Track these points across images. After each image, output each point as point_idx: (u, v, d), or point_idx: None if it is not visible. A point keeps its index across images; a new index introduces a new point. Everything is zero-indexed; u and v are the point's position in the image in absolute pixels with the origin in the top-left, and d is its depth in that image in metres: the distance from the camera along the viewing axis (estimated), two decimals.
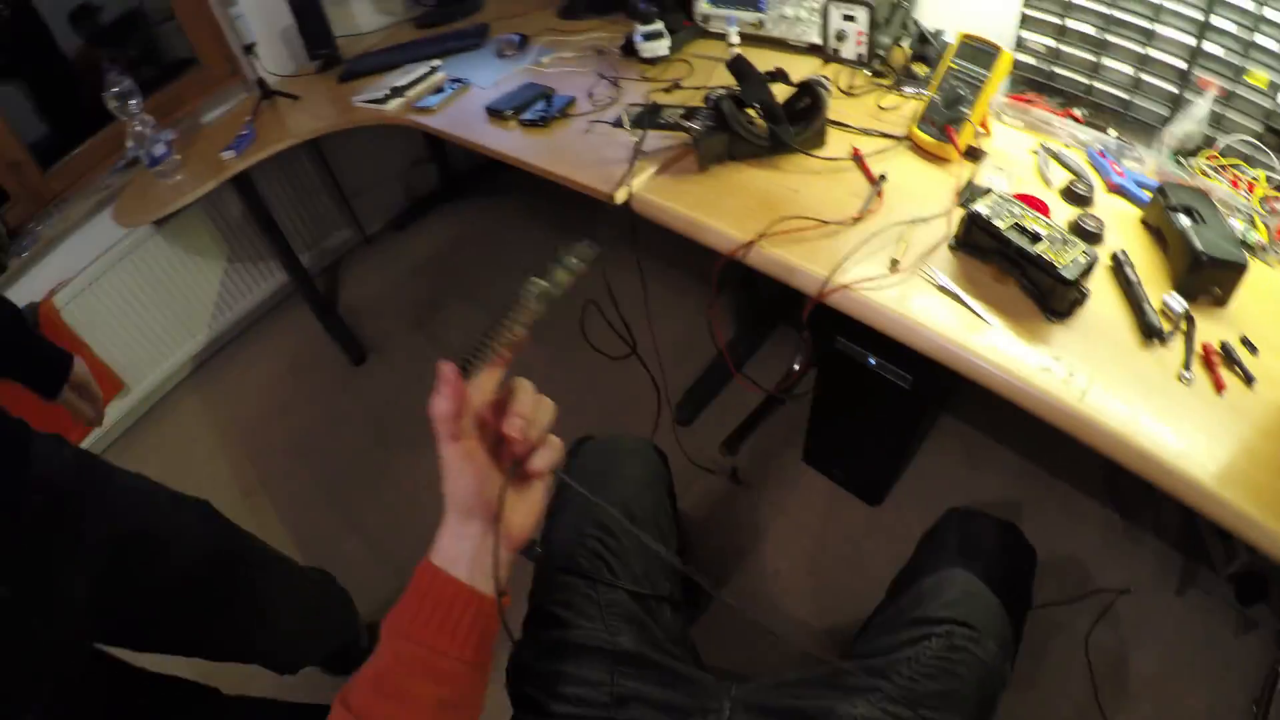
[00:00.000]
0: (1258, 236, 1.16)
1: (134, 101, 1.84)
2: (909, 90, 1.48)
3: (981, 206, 1.09)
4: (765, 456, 1.93)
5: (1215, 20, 1.24)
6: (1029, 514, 1.71)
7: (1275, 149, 1.23)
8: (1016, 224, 1.07)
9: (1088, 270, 1.01)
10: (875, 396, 1.44)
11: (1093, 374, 0.94)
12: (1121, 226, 1.19)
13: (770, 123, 1.27)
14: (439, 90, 1.85)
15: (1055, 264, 1.01)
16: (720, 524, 1.82)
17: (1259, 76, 1.23)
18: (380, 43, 2.32)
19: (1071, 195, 1.24)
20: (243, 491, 2.23)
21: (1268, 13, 1.18)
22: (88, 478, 1.01)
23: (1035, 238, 1.05)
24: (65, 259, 2.25)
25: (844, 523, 1.77)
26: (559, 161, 1.41)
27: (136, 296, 2.41)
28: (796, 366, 2.02)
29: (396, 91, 1.89)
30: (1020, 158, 1.33)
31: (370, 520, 2.05)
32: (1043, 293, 1.05)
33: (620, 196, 1.27)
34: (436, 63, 1.97)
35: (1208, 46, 1.27)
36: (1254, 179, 1.24)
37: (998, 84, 1.26)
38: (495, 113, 1.65)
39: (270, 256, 2.69)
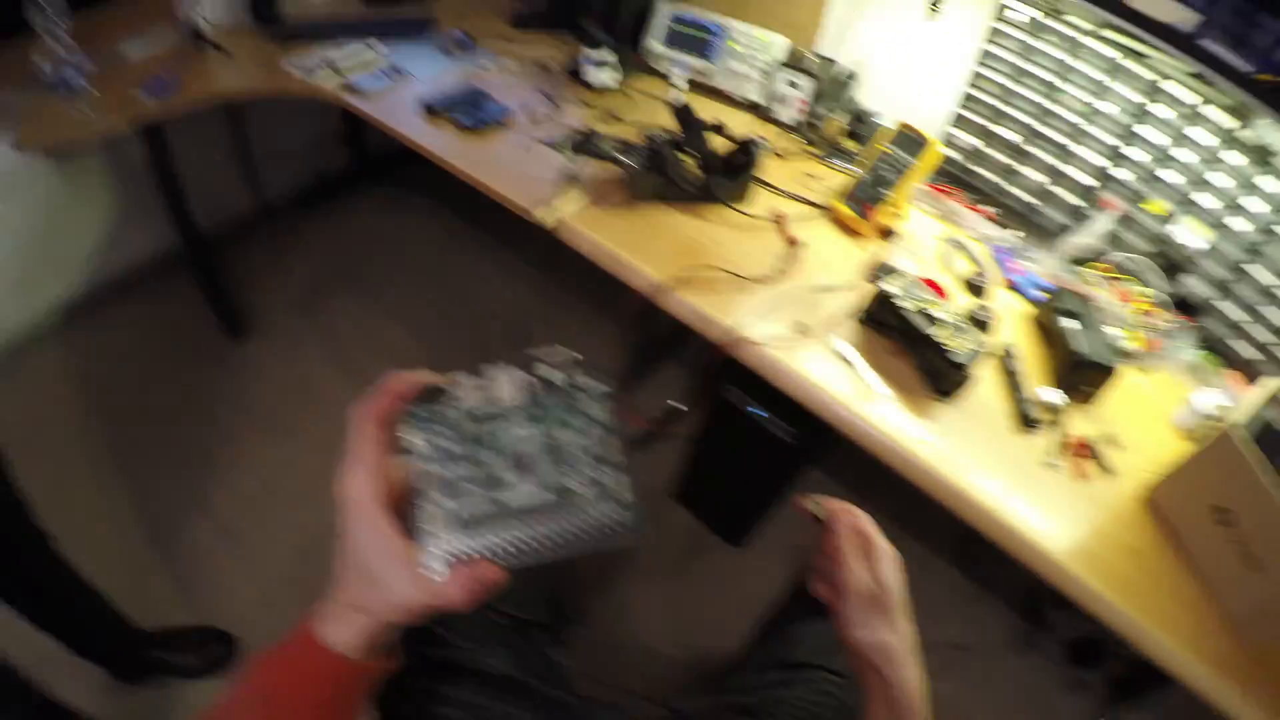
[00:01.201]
0: (1135, 345, 1.26)
1: (57, 17, 1.68)
2: (836, 163, 1.54)
3: (893, 287, 1.13)
4: (643, 491, 1.93)
5: (1128, 150, 1.36)
6: None
7: (1161, 269, 1.35)
8: (922, 309, 1.11)
9: (975, 357, 1.07)
10: (757, 446, 1.47)
11: (971, 452, 1.01)
12: (1014, 321, 1.27)
13: (705, 173, 1.29)
14: (376, 74, 1.79)
15: (947, 348, 1.07)
16: (586, 560, 1.80)
17: (1156, 205, 1.35)
18: (325, 10, 2.23)
19: (971, 286, 1.31)
20: (89, 459, 2.05)
21: (1176, 153, 1.30)
22: None
23: (933, 320, 1.10)
24: None
25: (706, 561, 1.81)
26: (489, 171, 1.39)
27: (10, 228, 2.20)
28: (682, 407, 2.03)
29: (331, 66, 1.81)
30: (929, 243, 1.40)
31: (223, 507, 1.94)
32: (934, 373, 1.10)
33: (547, 219, 1.26)
34: (379, 45, 1.91)
35: (1116, 172, 1.38)
36: (1140, 294, 1.34)
37: (923, 173, 1.32)
38: (431, 109, 1.60)
39: (164, 213, 2.50)
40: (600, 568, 1.79)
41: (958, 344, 1.08)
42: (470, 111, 1.57)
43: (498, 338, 2.16)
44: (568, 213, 1.28)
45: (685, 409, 1.92)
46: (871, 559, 0.69)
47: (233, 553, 1.84)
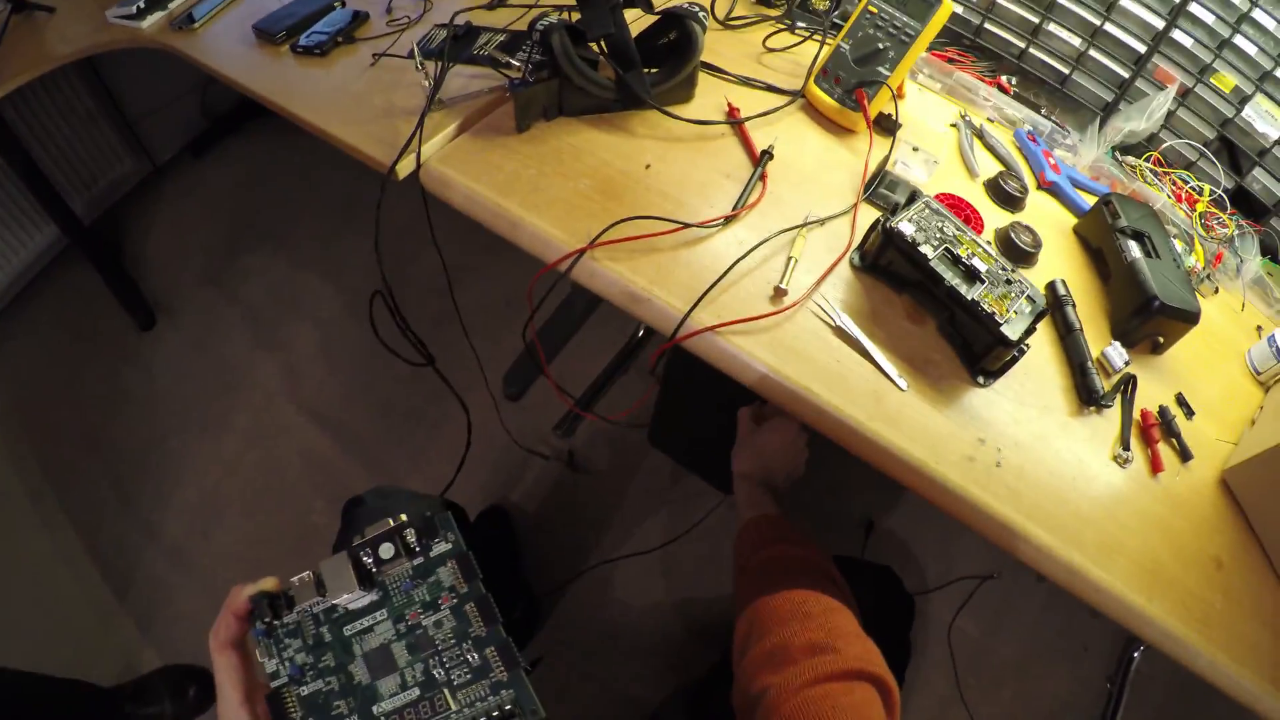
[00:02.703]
0: (1194, 261, 0.97)
1: None
2: (802, 27, 1.16)
3: (905, 224, 0.78)
4: (606, 438, 1.72)
5: (1193, 7, 1.00)
6: (893, 502, 1.65)
7: (1219, 157, 1.05)
8: (948, 250, 0.77)
9: (1032, 327, 0.75)
10: (719, 385, 1.16)
11: (1024, 465, 0.71)
12: (1051, 235, 0.94)
13: (619, 67, 0.91)
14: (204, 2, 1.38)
15: (997, 318, 0.73)
16: (557, 517, 1.63)
17: (1225, 80, 1.03)
18: None
19: (1000, 193, 0.98)
20: (31, 497, 1.86)
21: (1255, 13, 0.99)
22: None
23: (972, 275, 0.76)
24: None
25: (698, 515, 1.56)
26: (330, 110, 1.01)
27: None
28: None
29: (154, 3, 1.39)
30: (938, 131, 1.05)
31: (168, 525, 1.77)
32: (972, 348, 0.78)
33: (404, 168, 0.89)
34: None
35: (1176, 35, 1.03)
36: (1196, 191, 1.04)
37: (928, 40, 0.95)
38: (263, 34, 1.20)
39: (35, 207, 2.12)
40: (575, 533, 1.61)
41: (1008, 307, 0.74)
42: (314, 29, 1.18)
43: (421, 284, 1.87)
44: (433, 153, 0.90)
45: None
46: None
47: (186, 575, 1.72)
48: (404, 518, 0.46)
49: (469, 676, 0.43)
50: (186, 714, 1.54)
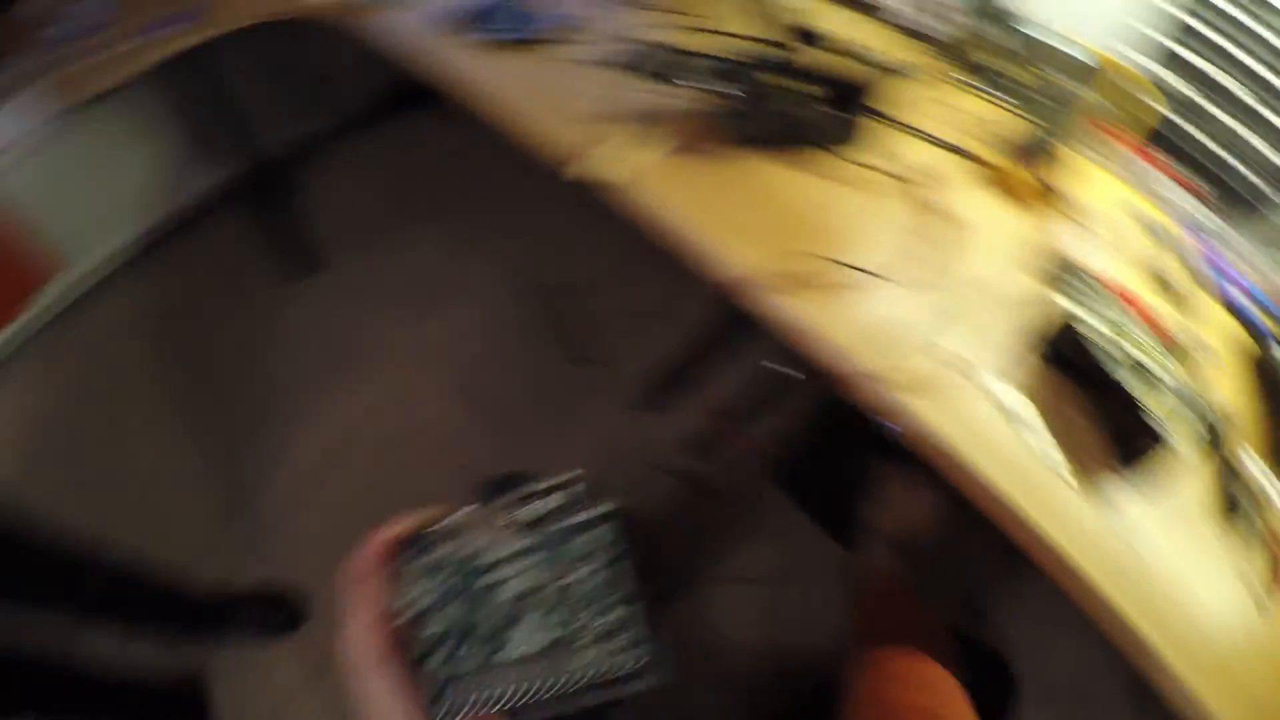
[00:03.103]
0: None
1: None
2: (981, 89, 1.15)
3: (1082, 310, 0.77)
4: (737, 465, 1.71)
5: None
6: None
7: None
8: (1120, 346, 0.76)
9: (1184, 422, 0.74)
10: (871, 446, 1.16)
11: (1157, 568, 0.70)
12: (1222, 349, 0.92)
13: (827, 107, 0.91)
14: None
15: (1147, 413, 0.73)
16: (667, 532, 1.63)
17: None
18: None
19: (1171, 293, 0.95)
20: (173, 400, 1.99)
21: None
22: None
23: (1142, 372, 0.75)
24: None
25: (809, 561, 1.56)
26: (519, 105, 1.03)
27: (80, 174, 2.11)
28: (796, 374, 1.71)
29: None
30: (1108, 214, 1.03)
31: (294, 461, 1.84)
32: (1131, 448, 0.76)
33: (599, 171, 0.90)
34: None
35: None
36: None
37: (1126, 129, 0.94)
38: (457, 22, 1.25)
39: (225, 141, 2.28)
40: (688, 555, 1.61)
41: (1179, 419, 0.73)
42: (508, 21, 1.22)
43: (580, 290, 1.96)
44: (620, 166, 0.91)
45: (799, 375, 1.59)
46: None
47: (299, 510, 1.78)
48: (563, 477, 0.45)
49: (602, 633, 0.43)
50: (270, 634, 1.61)
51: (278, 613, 1.63)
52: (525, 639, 0.43)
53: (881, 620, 0.77)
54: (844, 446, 1.31)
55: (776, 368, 1.69)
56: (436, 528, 0.46)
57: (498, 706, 0.42)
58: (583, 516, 0.45)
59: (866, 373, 0.73)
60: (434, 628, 0.44)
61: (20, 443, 2.05)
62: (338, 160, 2.58)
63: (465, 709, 0.42)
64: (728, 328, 1.77)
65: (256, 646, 1.59)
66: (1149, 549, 0.70)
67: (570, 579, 0.44)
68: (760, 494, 1.65)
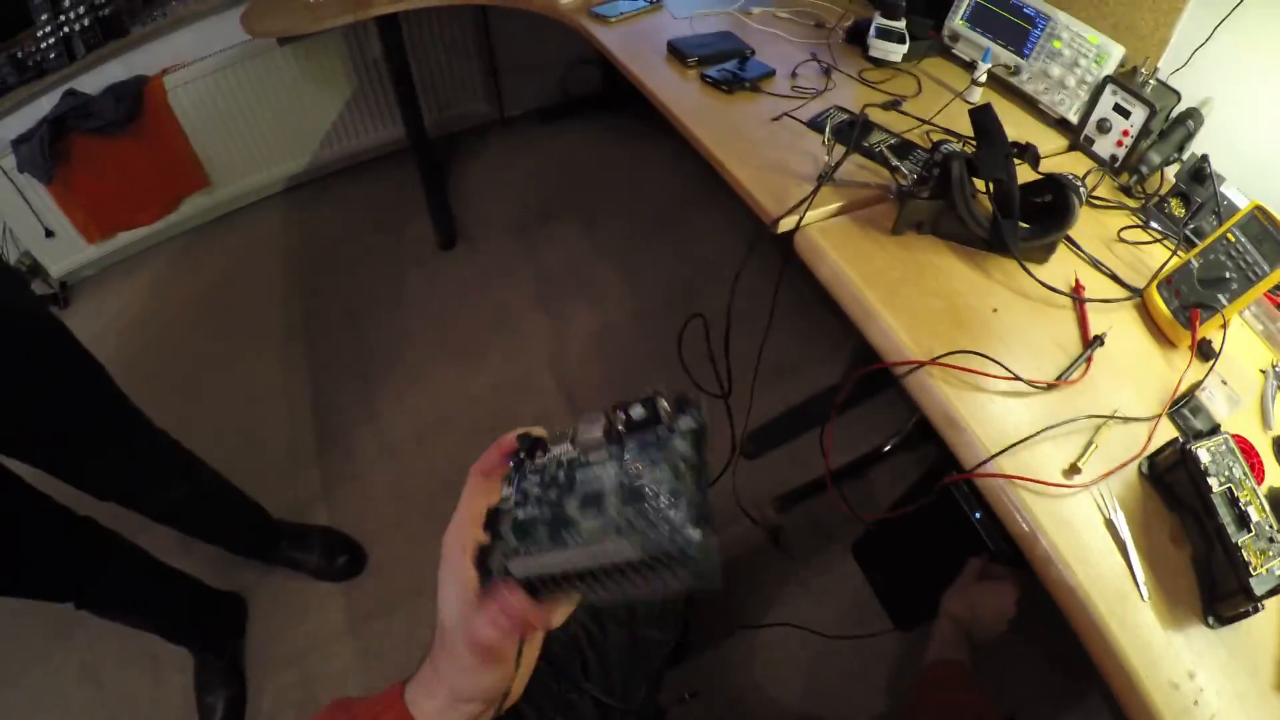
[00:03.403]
0: None
1: None
2: (1155, 228, 1.20)
3: (1203, 452, 0.83)
4: (815, 527, 1.75)
5: None
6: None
7: None
8: (1230, 490, 0.82)
9: (1278, 590, 0.77)
10: (959, 542, 1.22)
11: (1216, 714, 0.73)
12: None
13: (999, 211, 1.01)
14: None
15: (1251, 568, 0.77)
16: (739, 580, 1.66)
17: None
18: None
19: None
20: (284, 333, 2.14)
21: None
22: None
23: (1244, 521, 0.80)
24: (189, 42, 2.25)
25: (863, 629, 1.56)
26: (727, 146, 1.17)
27: (248, 103, 2.35)
28: (888, 448, 1.76)
29: None
30: (1248, 377, 1.06)
31: (392, 417, 1.94)
32: (1215, 587, 0.81)
33: (785, 226, 1.03)
34: None
35: None
36: None
37: (1273, 285, 0.98)
38: (677, 52, 1.40)
39: (394, 106, 2.51)
40: (745, 602, 1.65)
41: (1263, 563, 0.78)
42: (724, 65, 1.35)
43: (702, 316, 1.95)
44: (814, 222, 1.04)
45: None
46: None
47: (386, 464, 1.85)
48: (662, 388, 0.48)
49: (661, 524, 0.43)
50: (329, 575, 1.66)
51: (339, 555, 1.67)
52: (586, 527, 0.45)
53: (937, 701, 0.85)
54: (931, 531, 1.37)
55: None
56: (552, 436, 0.50)
57: (555, 582, 0.46)
58: (679, 426, 0.46)
59: (993, 464, 0.83)
60: (520, 514, 0.47)
61: (140, 328, 2.20)
62: (492, 148, 2.75)
63: (525, 582, 0.46)
64: (850, 399, 1.78)
65: (308, 580, 1.66)
66: (1210, 684, 0.75)
67: (644, 477, 0.45)
68: (833, 557, 1.69)
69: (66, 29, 2.07)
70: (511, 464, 0.50)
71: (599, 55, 2.69)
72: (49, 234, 2.28)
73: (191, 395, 1.99)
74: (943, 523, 1.29)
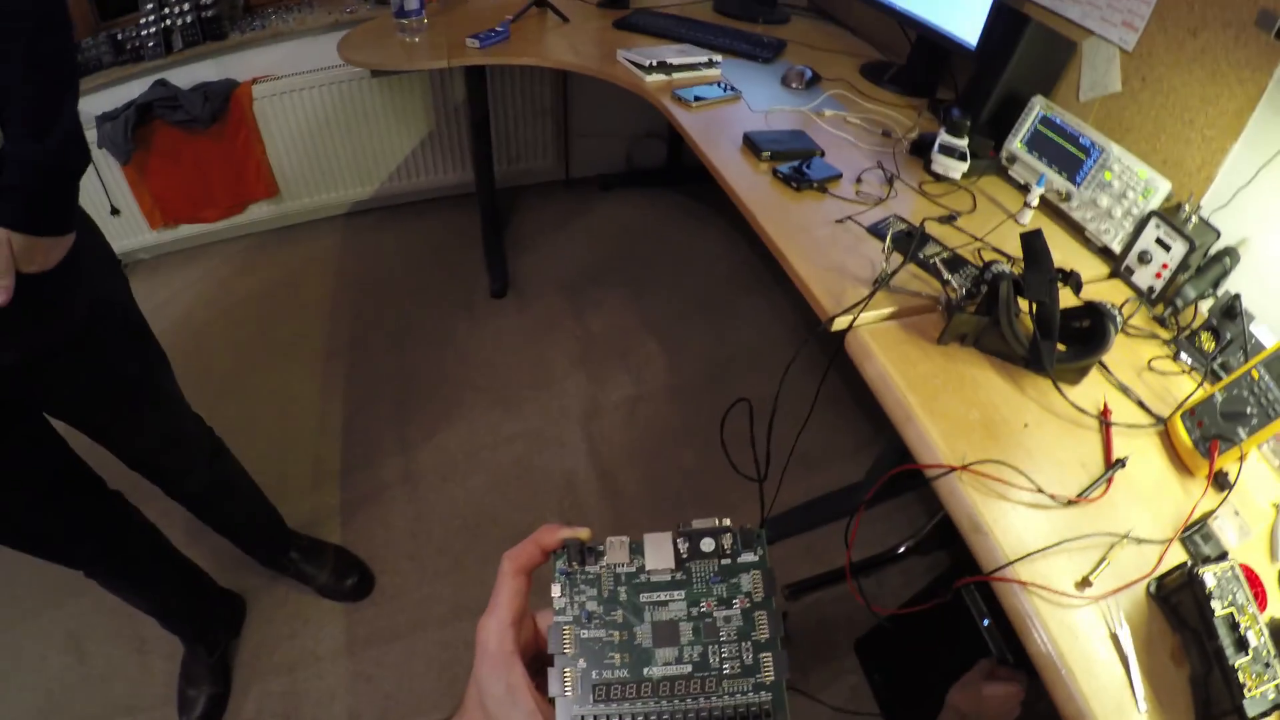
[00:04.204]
0: None
1: None
2: (1184, 360, 1.27)
3: (1209, 576, 0.90)
4: (820, 621, 1.78)
5: None
6: None
7: None
8: (1232, 615, 0.88)
9: (1270, 713, 0.83)
10: (965, 648, 1.28)
11: None
12: None
13: (1039, 332, 1.10)
14: (708, 88, 1.72)
15: (1246, 690, 0.83)
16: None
17: None
18: (672, 5, 2.20)
19: None
20: (325, 352, 2.22)
21: None
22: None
23: (1243, 645, 0.86)
24: (283, 57, 2.31)
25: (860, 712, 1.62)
26: (792, 240, 1.28)
27: (328, 125, 2.48)
28: (901, 550, 1.83)
29: (664, 67, 1.77)
30: (1261, 509, 1.12)
31: (421, 451, 1.99)
32: (1210, 706, 0.87)
33: (840, 324, 1.12)
34: (717, 58, 1.84)
35: None
36: None
37: None
38: (751, 144, 1.52)
39: (467, 152, 2.65)
40: None
41: (1257, 688, 0.83)
42: (794, 163, 1.46)
43: (749, 401, 2.11)
44: (866, 324, 1.14)
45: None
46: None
47: (407, 496, 1.89)
48: (728, 521, 0.48)
49: (739, 670, 0.44)
50: (336, 594, 1.67)
51: (349, 576, 1.68)
52: (670, 662, 0.45)
53: None
54: (936, 635, 1.41)
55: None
56: (602, 543, 0.49)
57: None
58: (733, 560, 0.47)
59: (1010, 570, 0.90)
60: (585, 633, 0.46)
61: (186, 320, 2.25)
62: (553, 206, 2.86)
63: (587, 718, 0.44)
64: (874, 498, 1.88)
65: (313, 596, 1.66)
66: None
67: (721, 615, 0.46)
68: (835, 651, 1.70)
69: (169, 21, 2.22)
70: (558, 566, 0.49)
71: (668, 131, 2.89)
72: (114, 211, 2.40)
73: (225, 394, 2.04)
74: (950, 627, 1.35)
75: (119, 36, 2.23)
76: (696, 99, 1.68)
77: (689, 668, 0.45)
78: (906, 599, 1.55)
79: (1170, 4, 1.39)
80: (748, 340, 2.43)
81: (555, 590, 0.47)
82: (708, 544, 0.48)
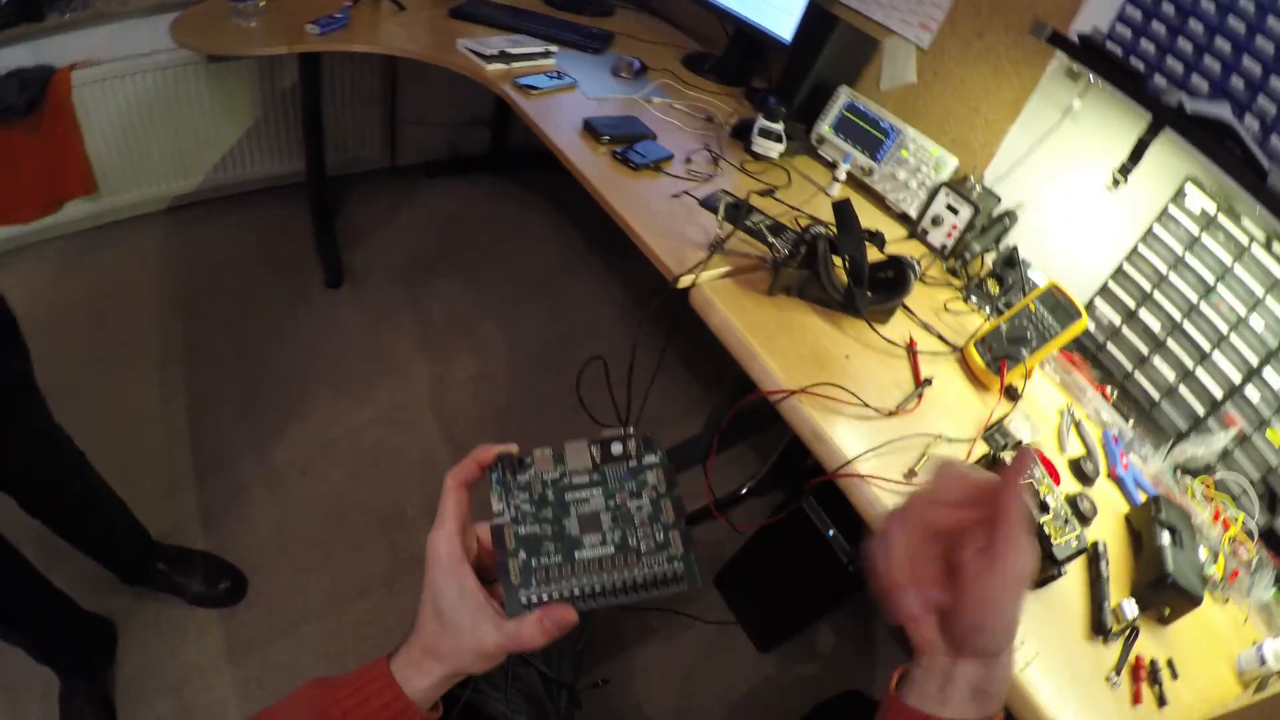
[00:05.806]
0: (1215, 572, 1.21)
1: None
2: (974, 302, 1.51)
3: (1009, 457, 1.10)
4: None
5: (1266, 372, 1.31)
6: None
7: (1262, 499, 1.31)
8: (1033, 485, 1.08)
9: (1075, 556, 1.04)
10: (816, 562, 1.44)
11: (1039, 650, 0.97)
12: (1108, 516, 1.22)
13: (852, 281, 1.27)
14: (546, 77, 1.81)
15: (1051, 540, 1.03)
16: (608, 614, 1.75)
17: (1277, 434, 1.30)
18: None
19: (1079, 471, 1.28)
20: (161, 360, 2.08)
21: None
22: None
23: (1044, 507, 1.07)
24: (104, 40, 2.11)
25: (728, 655, 1.76)
26: (635, 214, 1.39)
27: (151, 114, 2.27)
28: (745, 490, 2.00)
29: (504, 57, 1.83)
30: (1047, 413, 1.36)
31: (275, 448, 1.93)
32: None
33: (685, 282, 1.25)
34: (553, 48, 1.93)
35: (1248, 390, 1.33)
36: (1232, 519, 1.30)
37: (1063, 343, 1.29)
38: (592, 130, 1.61)
39: (296, 141, 2.56)
40: (616, 634, 1.76)
41: (1061, 537, 1.04)
42: (629, 144, 1.57)
43: (579, 370, 2.17)
44: (706, 282, 1.27)
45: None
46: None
47: (267, 494, 1.84)
48: (632, 430, 0.58)
49: (653, 547, 0.53)
50: (210, 600, 1.60)
51: (221, 580, 1.61)
52: (596, 545, 0.53)
53: None
54: (786, 555, 1.56)
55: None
56: (529, 454, 0.56)
57: (568, 598, 0.52)
58: (639, 461, 0.57)
59: (854, 474, 1.06)
60: (522, 530, 0.54)
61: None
62: (382, 195, 2.83)
63: (543, 599, 0.52)
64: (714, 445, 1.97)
65: (184, 607, 1.59)
66: (1030, 639, 0.97)
67: (633, 504, 0.55)
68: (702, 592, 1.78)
69: None
70: (494, 478, 0.56)
71: (491, 119, 2.93)
72: None
73: (60, 407, 1.84)
74: (797, 545, 1.52)
75: None
76: (536, 88, 1.75)
77: (612, 549, 0.53)
78: (756, 530, 1.72)
79: (960, 10, 1.65)
80: (583, 315, 2.54)
81: (494, 499, 0.55)
82: (617, 448, 0.56)
